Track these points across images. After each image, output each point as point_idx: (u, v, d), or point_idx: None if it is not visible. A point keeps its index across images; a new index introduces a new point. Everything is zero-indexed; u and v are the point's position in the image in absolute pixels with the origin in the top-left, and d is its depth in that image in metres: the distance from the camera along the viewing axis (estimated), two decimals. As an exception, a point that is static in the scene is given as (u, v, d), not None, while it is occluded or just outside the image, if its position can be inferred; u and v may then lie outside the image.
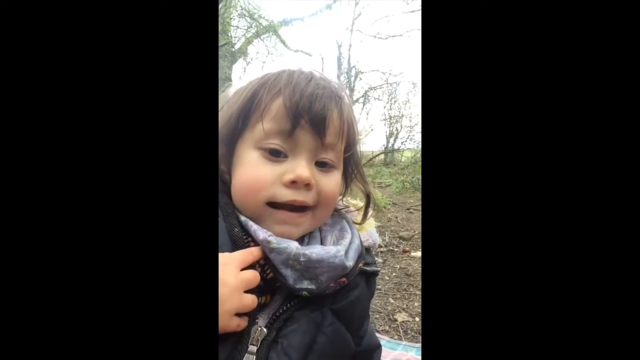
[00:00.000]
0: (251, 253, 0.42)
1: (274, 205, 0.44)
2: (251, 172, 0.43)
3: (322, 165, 0.45)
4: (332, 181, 0.46)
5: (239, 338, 0.40)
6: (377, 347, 0.55)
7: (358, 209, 0.55)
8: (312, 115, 0.42)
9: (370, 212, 0.55)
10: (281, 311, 0.43)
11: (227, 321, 0.39)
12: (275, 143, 0.43)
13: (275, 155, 0.43)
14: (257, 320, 0.42)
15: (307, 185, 0.43)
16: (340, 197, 0.54)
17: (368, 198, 0.54)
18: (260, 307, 0.43)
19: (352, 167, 0.52)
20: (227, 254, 0.41)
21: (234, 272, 0.39)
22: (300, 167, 0.42)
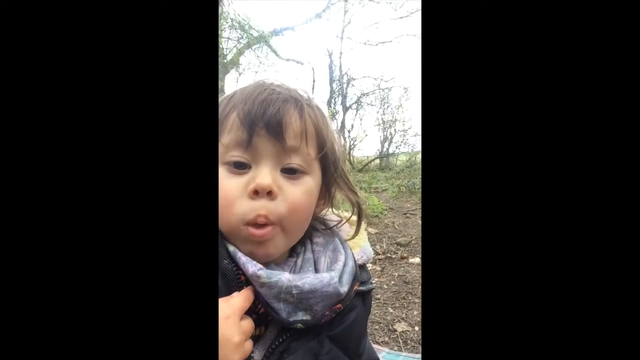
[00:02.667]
0: (248, 299, 0.41)
1: (247, 224, 0.42)
2: (220, 190, 0.42)
3: (290, 172, 0.43)
4: (300, 189, 0.43)
5: None
6: (376, 363, 0.55)
7: (348, 220, 0.53)
8: (266, 120, 0.41)
9: (363, 225, 0.53)
10: (277, 343, 0.42)
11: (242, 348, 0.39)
12: (236, 155, 0.42)
13: (239, 167, 0.42)
14: (252, 355, 0.41)
15: (270, 194, 0.41)
16: (328, 209, 0.53)
17: (359, 210, 0.52)
18: (254, 340, 0.42)
19: (331, 171, 0.48)
20: (226, 304, 0.39)
21: (237, 326, 0.39)
22: (260, 175, 0.41)
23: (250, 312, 0.41)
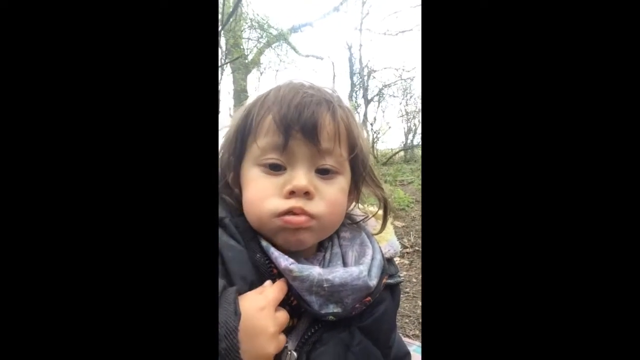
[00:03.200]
0: (282, 290, 0.43)
1: (280, 216, 0.44)
2: (254, 188, 0.44)
3: (323, 173, 0.45)
4: (335, 188, 0.45)
5: None
6: (406, 355, 0.56)
7: (374, 215, 0.54)
8: (302, 124, 0.43)
9: (389, 219, 0.54)
10: (309, 334, 0.44)
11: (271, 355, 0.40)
12: (272, 158, 0.44)
13: (274, 169, 0.44)
14: (286, 345, 0.43)
15: (307, 194, 0.43)
16: (355, 204, 0.54)
17: (385, 204, 0.53)
18: (287, 331, 0.44)
19: (360, 170, 0.50)
20: (261, 296, 0.41)
21: (272, 317, 0.40)
22: (297, 177, 0.43)
23: (283, 303, 0.43)
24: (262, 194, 0.43)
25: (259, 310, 0.40)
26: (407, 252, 2.65)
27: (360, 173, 0.50)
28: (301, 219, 0.43)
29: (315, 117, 0.43)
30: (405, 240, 2.89)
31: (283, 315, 0.42)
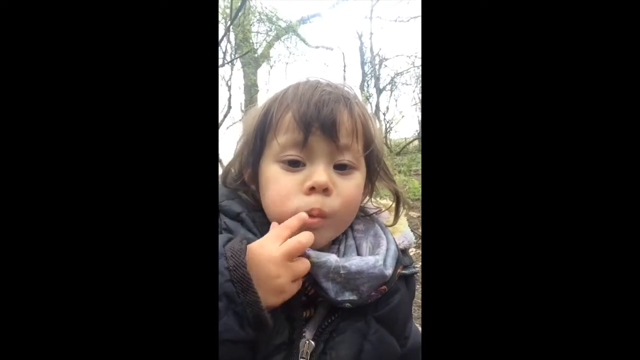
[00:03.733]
0: (286, 226, 0.42)
1: None
2: (275, 185, 0.45)
3: (341, 168, 0.46)
4: (352, 183, 0.47)
5: (289, 352, 0.42)
6: (424, 346, 0.56)
7: (388, 209, 0.55)
8: (321, 121, 0.44)
9: (402, 211, 0.55)
10: (326, 323, 0.45)
11: (288, 288, 0.40)
12: (292, 154, 0.45)
13: (294, 165, 0.45)
14: (304, 334, 0.44)
15: (326, 190, 0.44)
16: (368, 198, 0.54)
17: (398, 197, 0.54)
18: (305, 321, 0.45)
19: (374, 165, 0.51)
20: (260, 239, 0.41)
21: (273, 246, 0.40)
22: (317, 173, 0.44)
23: (300, 293, 0.44)
24: (284, 192, 0.45)
25: (258, 248, 0.39)
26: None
27: (375, 168, 0.51)
28: (315, 221, 0.44)
29: (334, 114, 0.44)
30: (421, 231, 2.86)
31: (292, 243, 0.40)
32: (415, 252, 2.49)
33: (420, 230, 2.86)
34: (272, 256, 0.39)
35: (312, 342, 0.43)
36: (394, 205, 0.55)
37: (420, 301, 1.77)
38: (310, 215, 0.44)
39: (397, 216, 0.54)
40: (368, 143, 0.49)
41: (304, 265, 0.42)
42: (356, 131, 0.46)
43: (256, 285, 0.36)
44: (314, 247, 0.46)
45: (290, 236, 0.42)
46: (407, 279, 0.52)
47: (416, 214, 3.34)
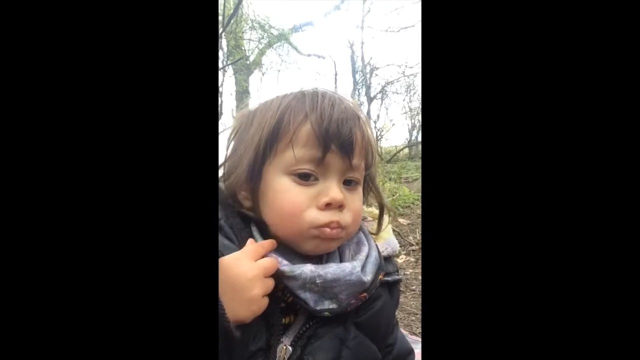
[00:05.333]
0: (261, 246, 0.44)
1: (317, 228, 0.45)
2: (286, 197, 0.45)
3: (348, 184, 0.47)
4: (357, 198, 0.49)
5: (266, 358, 0.42)
6: (410, 353, 0.56)
7: (373, 217, 0.56)
8: (341, 140, 0.44)
9: (386, 221, 0.56)
10: (304, 329, 0.45)
11: (258, 305, 0.40)
12: (307, 168, 0.45)
13: (305, 178, 0.45)
14: (282, 340, 0.44)
15: (341, 207, 0.45)
16: None
17: (382, 208, 0.55)
18: (285, 327, 0.45)
19: (369, 182, 0.54)
20: (235, 253, 0.42)
21: (248, 262, 0.41)
22: (333, 190, 0.44)
23: (279, 300, 0.44)
24: (298, 204, 0.44)
25: (233, 260, 0.40)
26: (412, 250, 2.64)
27: (369, 184, 0.53)
28: (334, 232, 0.45)
29: (352, 134, 0.45)
30: (411, 237, 2.88)
31: (267, 260, 0.42)
32: (405, 260, 2.50)
33: (409, 237, 2.87)
34: (248, 271, 0.40)
35: (290, 348, 0.43)
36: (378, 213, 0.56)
37: (413, 307, 1.77)
38: (330, 228, 0.45)
39: (379, 225, 0.55)
40: (369, 163, 0.50)
41: (272, 263, 0.43)
42: (364, 150, 0.48)
43: (229, 299, 0.37)
44: (325, 252, 0.47)
45: (263, 257, 0.43)
46: (391, 287, 0.52)
47: (406, 221, 3.35)
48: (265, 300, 0.42)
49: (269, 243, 0.45)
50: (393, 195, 3.80)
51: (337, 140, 0.44)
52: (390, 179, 4.64)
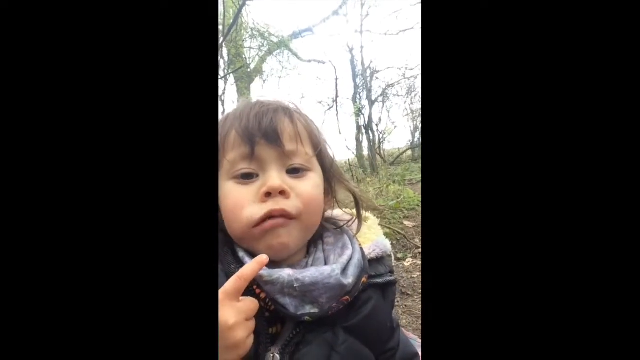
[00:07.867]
0: (241, 277, 0.40)
1: (258, 225, 0.44)
2: (229, 199, 0.46)
3: (294, 172, 0.47)
4: (308, 184, 0.47)
5: None
6: (414, 357, 0.54)
7: (360, 218, 0.54)
8: (264, 131, 0.45)
9: (364, 214, 0.54)
10: (292, 335, 0.44)
11: (243, 347, 0.39)
12: (243, 168, 0.46)
13: (247, 178, 0.46)
14: (270, 348, 0.43)
15: (283, 193, 0.44)
16: (334, 205, 0.54)
17: (355, 198, 0.53)
18: (272, 337, 0.44)
19: (327, 166, 0.52)
20: (233, 310, 0.39)
21: (228, 309, 0.38)
22: (270, 179, 0.44)
23: (262, 310, 0.43)
24: (239, 203, 0.45)
25: (227, 326, 0.38)
26: (419, 253, 2.61)
27: (329, 170, 0.52)
28: (279, 220, 0.44)
29: (274, 122, 0.46)
30: (417, 240, 2.85)
31: (246, 303, 0.40)
32: (412, 263, 2.47)
33: (415, 240, 2.84)
34: (229, 319, 0.38)
35: (278, 355, 0.43)
36: (368, 214, 0.54)
37: (414, 308, 1.75)
38: (272, 216, 0.44)
39: (359, 216, 0.53)
40: (315, 145, 0.49)
41: (253, 304, 0.41)
42: (299, 135, 0.47)
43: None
44: (285, 249, 0.45)
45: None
46: (384, 289, 0.51)
47: (412, 223, 3.33)
48: (251, 339, 0.40)
49: (248, 270, 0.41)
50: (397, 198, 3.78)
51: (260, 132, 0.45)
52: (394, 182, 4.62)
